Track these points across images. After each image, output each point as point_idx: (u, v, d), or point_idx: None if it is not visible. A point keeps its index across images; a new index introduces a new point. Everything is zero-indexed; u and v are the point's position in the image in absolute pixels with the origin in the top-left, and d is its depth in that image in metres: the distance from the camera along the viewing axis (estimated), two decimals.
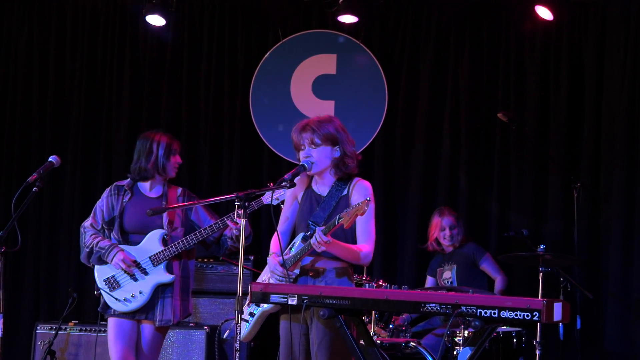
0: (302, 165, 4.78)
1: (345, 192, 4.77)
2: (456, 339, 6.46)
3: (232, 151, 8.28)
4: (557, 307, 3.94)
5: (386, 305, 4.28)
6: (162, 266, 5.41)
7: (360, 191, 4.76)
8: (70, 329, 7.23)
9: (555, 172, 7.77)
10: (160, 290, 5.42)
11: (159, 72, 8.41)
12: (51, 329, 7.24)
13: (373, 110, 8.14)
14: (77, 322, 7.30)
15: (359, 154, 4.89)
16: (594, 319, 7.57)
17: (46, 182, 5.33)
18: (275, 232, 4.87)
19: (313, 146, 4.76)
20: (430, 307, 4.08)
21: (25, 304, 8.30)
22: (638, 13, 7.61)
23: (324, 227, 4.56)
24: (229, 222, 5.29)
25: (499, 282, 7.33)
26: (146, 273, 5.42)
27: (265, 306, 4.84)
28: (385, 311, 6.56)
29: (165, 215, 5.46)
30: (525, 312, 3.87)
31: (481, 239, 7.68)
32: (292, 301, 4.39)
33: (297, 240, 4.83)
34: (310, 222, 4.78)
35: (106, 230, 5.52)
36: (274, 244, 4.92)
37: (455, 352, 6.42)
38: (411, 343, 6.40)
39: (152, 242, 5.45)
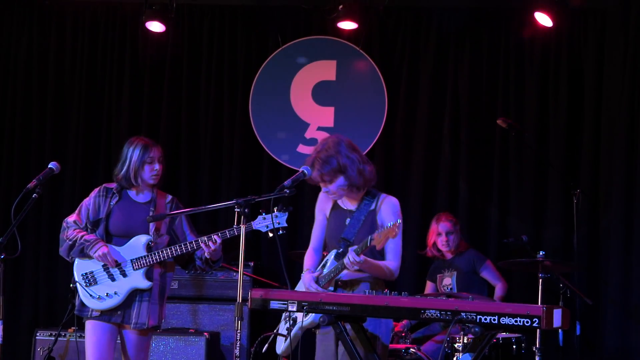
0: (302, 171, 4.85)
1: (373, 206, 4.86)
2: (456, 345, 6.46)
3: (232, 158, 8.28)
4: (557, 314, 3.95)
5: (386, 312, 4.28)
6: (141, 271, 5.34)
7: (388, 208, 4.84)
8: (69, 336, 7.22)
9: (554, 178, 7.78)
10: (137, 293, 5.35)
11: (158, 79, 8.41)
12: (51, 335, 7.23)
13: (373, 116, 8.14)
14: (76, 328, 7.28)
15: (366, 160, 4.93)
16: (593, 325, 7.56)
17: (46, 188, 5.34)
18: (309, 249, 5.09)
19: (328, 183, 4.87)
20: (430, 313, 4.09)
21: (24, 311, 8.29)
22: (637, 20, 7.61)
23: (356, 247, 4.64)
24: (202, 245, 5.28)
25: (499, 289, 7.33)
26: (125, 275, 5.34)
27: (300, 322, 4.83)
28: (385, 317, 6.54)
29: (152, 223, 5.41)
30: (525, 319, 3.88)
31: (481, 245, 7.68)
32: (292, 307, 4.40)
33: (330, 257, 4.88)
34: (341, 239, 4.87)
35: (89, 230, 5.44)
36: (307, 260, 5.07)
37: (455, 359, 6.42)
38: (411, 349, 6.40)
39: (136, 246, 5.38)
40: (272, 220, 5.06)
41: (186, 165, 8.33)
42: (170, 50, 8.37)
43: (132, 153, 5.44)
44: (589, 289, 7.52)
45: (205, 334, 7.13)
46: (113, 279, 5.35)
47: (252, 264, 7.51)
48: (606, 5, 7.79)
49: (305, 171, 4.88)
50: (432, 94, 8.09)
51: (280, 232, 5.03)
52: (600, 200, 7.71)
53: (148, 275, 5.35)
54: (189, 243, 5.35)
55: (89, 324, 5.40)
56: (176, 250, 5.34)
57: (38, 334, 7.32)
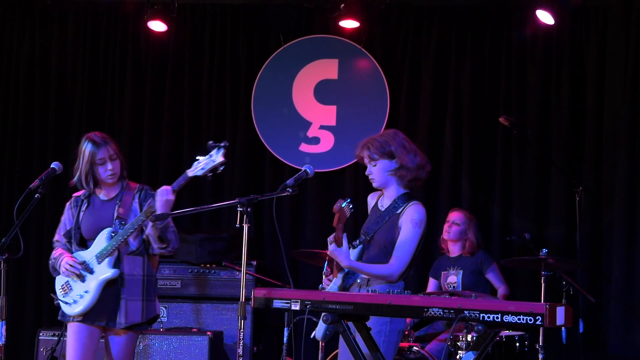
0: (305, 170, 4.87)
1: (399, 210, 4.87)
2: (459, 344, 6.46)
3: (234, 157, 8.27)
4: (560, 311, 3.94)
5: (389, 310, 4.28)
6: (105, 262, 5.16)
7: (409, 214, 4.83)
8: None
9: (557, 176, 7.78)
10: (120, 292, 5.18)
11: (160, 79, 8.41)
12: (53, 335, 7.23)
13: (375, 115, 8.14)
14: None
15: (426, 163, 4.95)
16: (596, 323, 7.57)
17: (48, 188, 5.33)
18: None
19: (372, 162, 4.89)
20: (433, 312, 4.08)
21: (27, 311, 8.30)
22: (639, 16, 7.61)
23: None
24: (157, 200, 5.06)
25: (501, 290, 7.30)
26: (92, 272, 5.19)
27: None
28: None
29: (115, 211, 5.25)
30: (528, 317, 3.87)
31: (484, 244, 7.68)
32: (295, 306, 4.40)
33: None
34: (363, 232, 4.92)
35: (67, 244, 5.37)
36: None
37: (458, 357, 6.42)
38: (414, 348, 6.40)
39: (100, 241, 5.22)
40: (209, 160, 4.94)
41: (188, 163, 8.27)
42: (172, 49, 8.37)
43: (83, 154, 5.26)
44: (591, 287, 7.52)
45: (208, 333, 7.13)
46: (83, 280, 5.22)
47: (254, 263, 7.51)
48: (607, 3, 7.78)
49: (308, 170, 4.89)
50: (434, 92, 8.09)
51: (221, 168, 4.95)
52: (602, 197, 7.71)
53: (115, 264, 5.18)
54: (138, 217, 5.16)
55: (71, 326, 5.27)
56: (131, 225, 5.15)
57: (41, 334, 7.32)
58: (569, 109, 7.82)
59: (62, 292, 5.29)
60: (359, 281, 4.84)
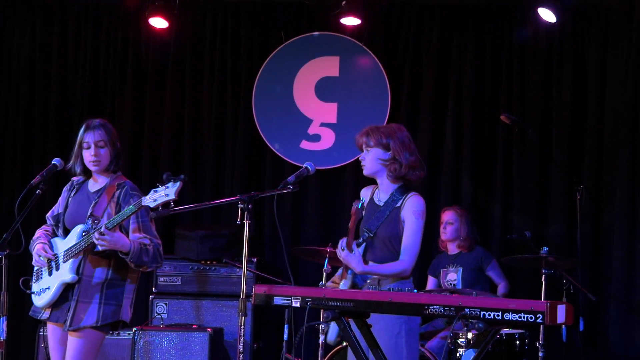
0: (306, 167, 4.87)
1: (399, 204, 4.85)
2: (459, 341, 6.46)
3: (235, 154, 8.28)
4: (561, 309, 3.94)
5: (390, 308, 4.27)
6: (69, 263, 4.90)
7: (410, 205, 4.82)
8: None
9: (558, 175, 7.78)
10: (73, 292, 4.91)
11: (161, 75, 8.41)
12: None
13: (376, 112, 8.13)
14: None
15: (419, 166, 4.90)
16: (596, 321, 7.57)
17: (50, 184, 5.32)
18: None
19: (367, 149, 4.88)
20: (433, 309, 4.08)
21: (28, 307, 8.24)
22: None
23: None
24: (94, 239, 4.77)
25: (502, 287, 7.32)
26: (57, 268, 4.96)
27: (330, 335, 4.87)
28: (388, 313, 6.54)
29: (90, 207, 4.99)
30: (529, 314, 3.87)
31: (484, 242, 7.69)
32: (296, 303, 4.39)
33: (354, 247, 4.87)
34: (365, 229, 4.89)
35: (54, 227, 5.14)
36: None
37: (458, 354, 6.42)
38: None
39: (72, 236, 4.96)
40: (163, 194, 4.61)
41: (189, 161, 8.33)
42: (173, 46, 8.37)
43: (75, 142, 5.07)
44: (592, 285, 7.52)
45: (209, 329, 7.14)
46: (50, 273, 5.02)
47: (255, 260, 7.51)
48: (610, 2, 7.78)
49: (309, 167, 4.89)
50: (435, 90, 8.09)
51: (171, 205, 4.65)
52: (603, 196, 7.71)
53: (78, 269, 4.90)
54: (82, 239, 4.91)
55: (47, 327, 5.11)
56: (80, 246, 4.90)
57: (41, 330, 7.32)
58: (570, 107, 7.82)
59: (34, 279, 5.11)
60: (368, 281, 4.82)
